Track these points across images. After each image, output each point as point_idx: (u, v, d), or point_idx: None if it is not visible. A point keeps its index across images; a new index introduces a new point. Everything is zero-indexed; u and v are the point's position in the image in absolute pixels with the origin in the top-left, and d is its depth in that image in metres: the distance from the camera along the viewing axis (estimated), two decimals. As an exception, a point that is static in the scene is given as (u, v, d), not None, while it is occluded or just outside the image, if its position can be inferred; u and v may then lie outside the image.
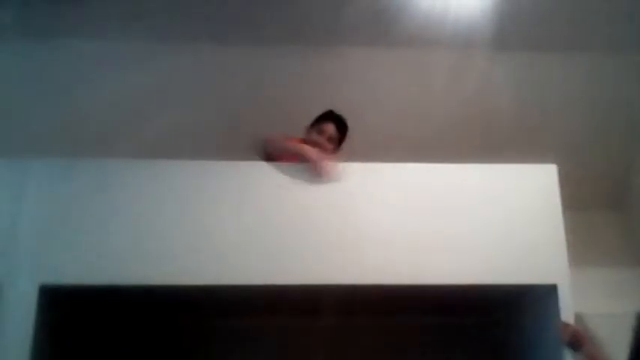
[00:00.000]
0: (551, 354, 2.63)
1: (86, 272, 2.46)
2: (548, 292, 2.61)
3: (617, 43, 3.70)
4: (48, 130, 3.62)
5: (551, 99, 3.85)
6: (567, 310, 2.56)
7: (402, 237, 2.60)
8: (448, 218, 2.65)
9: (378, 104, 3.80)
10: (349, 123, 3.11)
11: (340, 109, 3.15)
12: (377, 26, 3.58)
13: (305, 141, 3.00)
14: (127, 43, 3.59)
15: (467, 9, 3.51)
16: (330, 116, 3.09)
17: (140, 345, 3.19)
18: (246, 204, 2.63)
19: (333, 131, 3.05)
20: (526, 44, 3.65)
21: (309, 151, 2.75)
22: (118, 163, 2.71)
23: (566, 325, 2.52)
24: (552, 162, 2.77)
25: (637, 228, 3.93)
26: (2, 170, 2.61)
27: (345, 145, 3.12)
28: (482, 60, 3.65)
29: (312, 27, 3.58)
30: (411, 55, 3.70)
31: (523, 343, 3.03)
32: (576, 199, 3.17)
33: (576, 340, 2.48)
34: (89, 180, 2.64)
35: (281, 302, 3.01)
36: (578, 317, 2.68)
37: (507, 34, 3.58)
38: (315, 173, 2.67)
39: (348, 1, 3.46)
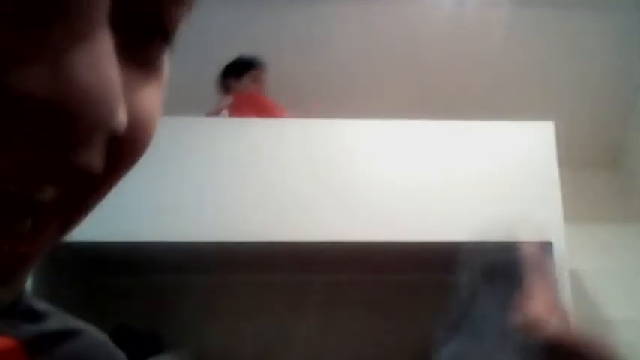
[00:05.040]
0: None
1: (85, 229, 2.47)
2: (543, 249, 2.62)
3: (618, 2, 3.66)
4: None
5: (549, 56, 3.82)
6: (562, 266, 2.58)
7: (396, 194, 2.61)
8: (443, 175, 2.65)
9: (374, 61, 3.76)
10: (345, 80, 3.10)
11: (339, 66, 3.14)
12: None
13: (254, 93, 3.10)
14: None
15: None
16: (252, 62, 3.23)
17: (141, 300, 3.22)
18: (247, 161, 2.63)
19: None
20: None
21: None
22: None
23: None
24: (549, 119, 2.76)
25: (632, 185, 3.95)
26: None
27: (341, 102, 3.13)
28: (477, 15, 3.61)
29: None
30: (403, 9, 3.66)
31: (517, 298, 3.06)
32: (573, 158, 3.18)
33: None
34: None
35: (282, 258, 3.04)
36: (573, 273, 2.71)
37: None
38: None
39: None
